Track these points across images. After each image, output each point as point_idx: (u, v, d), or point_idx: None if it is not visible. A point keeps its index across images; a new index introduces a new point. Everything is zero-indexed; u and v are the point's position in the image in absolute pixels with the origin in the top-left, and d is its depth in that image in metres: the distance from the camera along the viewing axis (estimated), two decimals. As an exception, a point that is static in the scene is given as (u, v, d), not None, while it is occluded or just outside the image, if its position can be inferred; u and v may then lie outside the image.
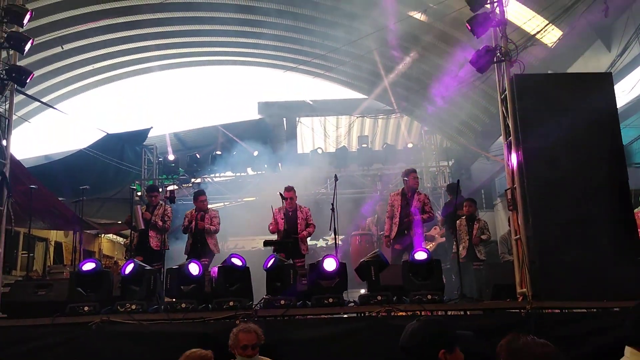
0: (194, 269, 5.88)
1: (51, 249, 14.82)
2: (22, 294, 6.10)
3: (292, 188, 8.32)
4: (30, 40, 6.71)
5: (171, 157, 14.53)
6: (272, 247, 8.10)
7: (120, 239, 17.47)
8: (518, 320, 5.28)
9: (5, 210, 6.45)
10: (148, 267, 6.19)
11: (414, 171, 8.37)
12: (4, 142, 6.64)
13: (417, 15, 10.20)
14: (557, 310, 5.58)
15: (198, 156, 14.54)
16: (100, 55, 15.06)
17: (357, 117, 16.96)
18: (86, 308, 5.57)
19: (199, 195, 8.68)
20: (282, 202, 8.22)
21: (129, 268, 6.01)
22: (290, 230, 8.08)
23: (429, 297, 5.56)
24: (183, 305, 5.56)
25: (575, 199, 5.69)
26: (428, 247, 9.99)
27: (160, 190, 14.49)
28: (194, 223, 8.30)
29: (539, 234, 5.64)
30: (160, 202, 8.68)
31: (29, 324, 5.50)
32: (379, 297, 5.58)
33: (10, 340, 5.32)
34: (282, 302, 5.61)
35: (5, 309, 6.07)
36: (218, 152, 14.60)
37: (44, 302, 5.91)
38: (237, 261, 5.91)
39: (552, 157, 5.79)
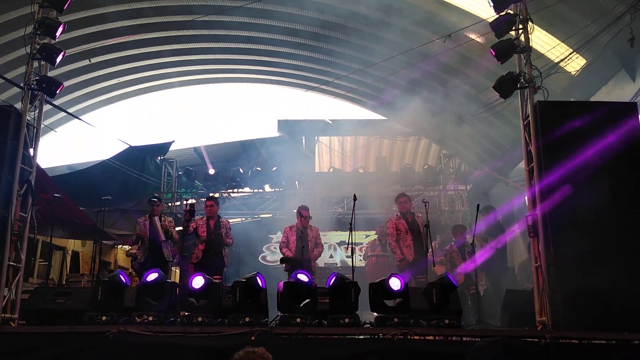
0: (196, 282, 5.76)
1: (68, 258, 14.94)
2: (41, 301, 6.18)
3: (308, 208, 8.64)
4: (62, 53, 6.79)
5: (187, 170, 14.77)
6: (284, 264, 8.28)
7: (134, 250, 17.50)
8: (537, 349, 5.19)
9: (29, 218, 6.53)
10: (170, 280, 6.19)
11: (403, 195, 8.57)
12: (31, 151, 6.68)
13: (441, 40, 10.25)
14: (575, 341, 5.48)
15: (213, 172, 14.68)
16: (125, 69, 15.38)
17: (376, 138, 16.99)
18: (104, 317, 5.59)
19: (206, 200, 8.74)
20: (298, 220, 8.37)
21: (151, 277, 5.91)
22: (302, 248, 8.15)
23: (447, 321, 5.50)
24: (199, 318, 5.57)
25: (598, 227, 5.61)
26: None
27: (179, 203, 14.72)
28: (206, 229, 8.21)
29: (561, 262, 5.57)
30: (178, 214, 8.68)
31: (47, 331, 5.52)
32: (396, 320, 5.52)
33: (27, 347, 5.33)
34: (298, 320, 5.58)
35: (24, 316, 6.14)
36: (240, 170, 14.69)
37: (62, 310, 5.97)
38: (259, 280, 5.90)
39: (575, 184, 5.75)
